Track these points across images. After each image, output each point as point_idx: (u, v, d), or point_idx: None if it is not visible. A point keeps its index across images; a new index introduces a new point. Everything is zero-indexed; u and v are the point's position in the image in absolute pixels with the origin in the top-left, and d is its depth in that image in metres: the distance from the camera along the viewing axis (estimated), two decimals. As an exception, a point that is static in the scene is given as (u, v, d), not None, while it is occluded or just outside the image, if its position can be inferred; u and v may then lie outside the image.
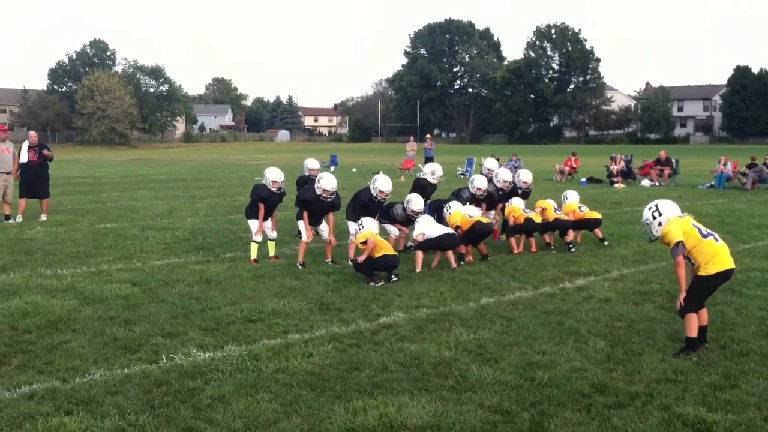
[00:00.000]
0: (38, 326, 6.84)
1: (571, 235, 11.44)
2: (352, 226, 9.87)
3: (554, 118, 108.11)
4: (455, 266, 9.76)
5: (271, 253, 10.42)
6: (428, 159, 30.15)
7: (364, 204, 10.13)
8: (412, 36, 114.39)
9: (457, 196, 11.40)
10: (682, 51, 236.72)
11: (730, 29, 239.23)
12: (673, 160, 26.40)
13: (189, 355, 6.02)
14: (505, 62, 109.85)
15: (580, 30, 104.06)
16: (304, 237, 10.01)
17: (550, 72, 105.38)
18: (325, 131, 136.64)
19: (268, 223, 10.33)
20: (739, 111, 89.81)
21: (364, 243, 9.02)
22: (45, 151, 14.84)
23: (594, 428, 4.64)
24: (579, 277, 9.32)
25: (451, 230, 9.94)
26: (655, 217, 6.23)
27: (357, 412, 4.82)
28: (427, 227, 9.85)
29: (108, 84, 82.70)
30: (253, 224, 10.20)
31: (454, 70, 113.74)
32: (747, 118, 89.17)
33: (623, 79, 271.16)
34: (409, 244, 10.15)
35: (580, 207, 11.92)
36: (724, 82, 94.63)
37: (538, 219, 11.24)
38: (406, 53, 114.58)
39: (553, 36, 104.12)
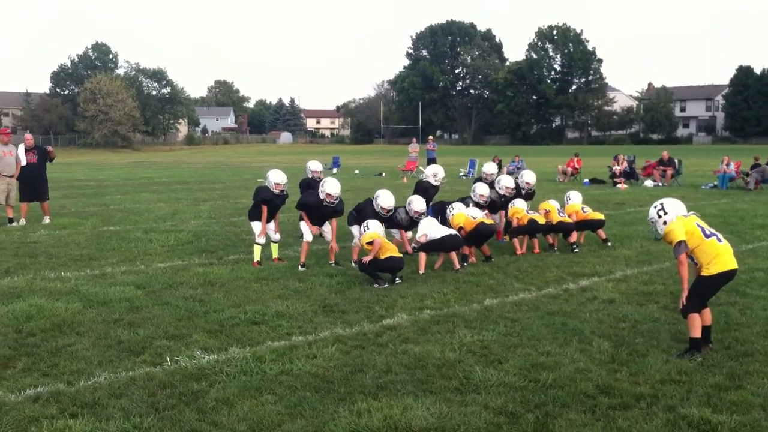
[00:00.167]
0: (42, 329, 6.85)
1: (574, 236, 11.43)
2: (355, 230, 9.86)
3: (556, 119, 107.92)
4: (458, 267, 9.75)
5: (275, 255, 10.43)
6: (431, 160, 30.14)
7: (369, 217, 10.07)
8: (413, 37, 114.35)
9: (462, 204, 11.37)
10: (684, 51, 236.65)
11: (732, 29, 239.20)
12: (676, 161, 26.35)
13: (193, 357, 6.03)
14: (507, 63, 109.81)
15: (581, 31, 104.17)
16: (306, 237, 10.02)
17: (552, 73, 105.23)
18: (327, 133, 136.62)
19: (271, 225, 10.35)
20: (742, 111, 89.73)
21: (370, 243, 9.01)
22: (49, 148, 14.95)
23: (599, 429, 4.63)
24: (582, 278, 9.31)
25: (454, 231, 9.94)
26: (660, 216, 6.24)
27: (361, 413, 4.83)
28: (430, 228, 9.85)
29: (110, 87, 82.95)
30: (256, 226, 10.21)
31: (456, 71, 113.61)
32: (750, 119, 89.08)
33: (625, 80, 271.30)
34: (413, 245, 10.13)
35: (583, 208, 11.90)
36: (727, 82, 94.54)
37: (541, 220, 11.22)
38: (408, 54, 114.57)
39: (555, 37, 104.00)
